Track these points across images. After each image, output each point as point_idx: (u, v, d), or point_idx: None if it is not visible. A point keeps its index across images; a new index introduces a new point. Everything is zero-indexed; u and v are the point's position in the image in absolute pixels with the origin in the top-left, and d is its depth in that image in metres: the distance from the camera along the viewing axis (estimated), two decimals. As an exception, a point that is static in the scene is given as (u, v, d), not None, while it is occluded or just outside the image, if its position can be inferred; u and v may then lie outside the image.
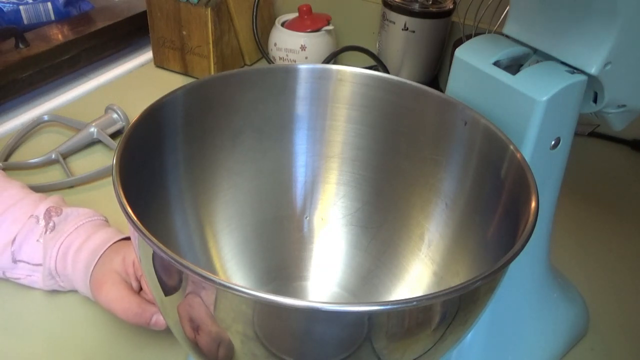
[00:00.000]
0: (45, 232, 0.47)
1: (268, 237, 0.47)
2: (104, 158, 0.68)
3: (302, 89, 0.43)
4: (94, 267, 0.45)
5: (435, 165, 0.42)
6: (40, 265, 0.47)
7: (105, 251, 0.45)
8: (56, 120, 0.72)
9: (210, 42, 0.81)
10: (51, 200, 0.50)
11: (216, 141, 0.42)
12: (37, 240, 0.47)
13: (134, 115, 0.35)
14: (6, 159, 0.67)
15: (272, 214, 0.47)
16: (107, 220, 0.51)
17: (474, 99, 0.39)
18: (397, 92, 0.42)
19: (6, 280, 0.49)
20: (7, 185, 0.50)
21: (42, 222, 0.47)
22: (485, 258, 0.37)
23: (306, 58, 0.82)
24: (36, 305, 0.49)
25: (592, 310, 0.50)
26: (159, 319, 0.43)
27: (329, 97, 0.44)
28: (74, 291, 0.49)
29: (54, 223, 0.48)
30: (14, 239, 0.47)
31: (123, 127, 0.71)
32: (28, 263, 0.47)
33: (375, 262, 0.46)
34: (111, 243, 0.46)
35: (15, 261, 0.47)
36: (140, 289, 0.45)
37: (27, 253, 0.47)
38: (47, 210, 0.48)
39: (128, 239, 0.47)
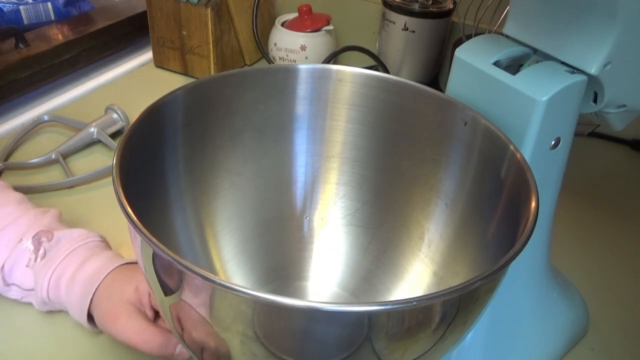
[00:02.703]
0: (36, 259, 0.45)
1: (268, 237, 0.47)
2: (104, 158, 0.68)
3: (302, 89, 0.43)
4: (94, 296, 0.43)
5: (435, 165, 0.42)
6: (32, 290, 0.46)
7: (103, 280, 0.43)
8: (56, 120, 0.72)
9: (210, 42, 0.81)
10: (44, 221, 0.47)
11: (216, 141, 0.43)
12: (27, 266, 0.45)
13: (134, 115, 0.35)
14: (6, 159, 0.67)
15: (272, 214, 0.47)
16: (103, 240, 0.48)
17: (474, 99, 0.39)
18: (397, 92, 0.42)
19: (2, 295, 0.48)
20: (3, 201, 0.48)
21: (31, 247, 0.45)
22: (485, 258, 0.37)
23: (306, 58, 0.82)
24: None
25: (592, 310, 0.50)
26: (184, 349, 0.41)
27: (329, 97, 0.44)
28: None
29: (45, 250, 0.45)
30: (3, 265, 0.45)
31: (123, 127, 0.71)
32: (20, 287, 0.46)
33: (375, 262, 0.46)
34: (108, 271, 0.44)
35: (7, 284, 0.46)
36: (155, 318, 0.43)
37: (18, 278, 0.45)
38: (36, 234, 0.46)
39: (128, 264, 0.45)
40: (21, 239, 0.46)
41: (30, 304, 0.47)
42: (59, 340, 0.47)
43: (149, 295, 0.42)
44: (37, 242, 0.46)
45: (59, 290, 0.44)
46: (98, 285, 0.43)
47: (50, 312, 0.48)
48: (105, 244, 0.49)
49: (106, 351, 0.46)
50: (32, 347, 0.46)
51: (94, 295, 0.43)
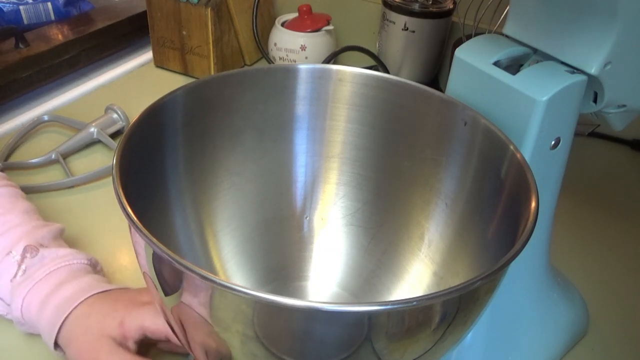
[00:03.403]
0: (16, 275, 0.43)
1: (268, 237, 0.47)
2: (104, 158, 0.68)
3: (302, 89, 0.43)
4: (63, 327, 0.40)
5: (435, 165, 0.42)
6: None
7: (74, 311, 0.40)
8: (56, 120, 0.72)
9: (210, 42, 0.81)
10: (38, 235, 0.45)
11: (216, 141, 0.42)
12: (10, 280, 0.43)
13: (134, 115, 0.35)
14: (6, 159, 0.67)
15: (272, 214, 0.47)
16: (90, 263, 0.46)
17: (474, 99, 0.39)
18: (397, 92, 0.42)
19: None
20: (9, 207, 0.46)
21: (18, 259, 0.43)
22: (485, 258, 0.37)
23: (306, 58, 0.82)
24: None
25: (592, 310, 0.50)
26: None
27: (329, 97, 0.44)
28: None
29: (26, 267, 0.43)
30: None
31: (123, 127, 0.71)
32: (3, 300, 0.44)
33: (375, 262, 0.46)
34: (79, 301, 0.41)
35: None
36: (137, 351, 0.41)
37: (2, 292, 0.43)
38: (24, 248, 0.43)
39: (103, 292, 0.42)
40: (10, 251, 0.43)
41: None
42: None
43: (140, 328, 0.40)
44: (22, 257, 0.43)
45: (30, 313, 0.42)
46: (67, 316, 0.40)
47: (32, 334, 0.45)
48: (92, 267, 0.46)
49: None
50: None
51: (62, 326, 0.40)
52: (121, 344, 0.40)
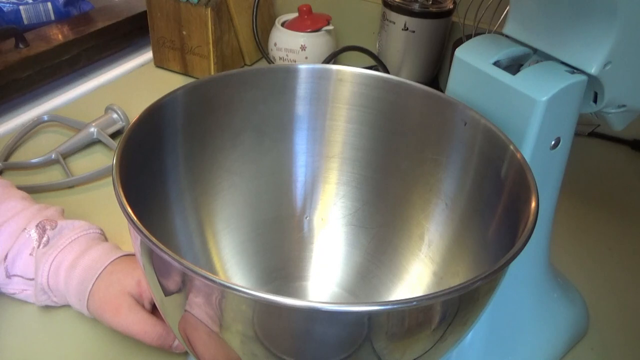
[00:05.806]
0: (38, 246, 0.46)
1: (268, 237, 0.47)
2: (104, 158, 0.68)
3: (302, 89, 0.43)
4: (94, 285, 0.43)
5: (435, 165, 0.42)
6: (33, 279, 0.46)
7: (103, 271, 0.44)
8: (56, 120, 0.72)
9: (210, 42, 0.81)
10: (48, 212, 0.48)
11: (216, 141, 0.43)
12: (30, 255, 0.46)
13: (134, 115, 0.35)
14: (6, 159, 0.67)
15: (272, 214, 0.47)
16: (102, 233, 0.49)
17: (474, 99, 0.39)
18: (397, 92, 0.42)
19: (1, 295, 0.48)
20: (6, 197, 0.49)
21: (35, 236, 0.46)
22: (485, 258, 0.37)
23: (306, 58, 0.82)
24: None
25: (592, 310, 0.50)
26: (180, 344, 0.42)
27: (329, 97, 0.44)
28: (67, 306, 0.47)
29: (48, 237, 0.46)
30: (7, 255, 0.46)
31: (123, 127, 0.71)
32: (22, 277, 0.46)
33: (375, 262, 0.46)
34: (109, 262, 0.44)
35: (9, 276, 0.46)
36: (152, 310, 0.44)
37: (21, 268, 0.46)
38: (39, 223, 0.47)
39: (127, 255, 0.46)
40: (24, 229, 0.46)
41: (28, 302, 0.48)
42: (57, 338, 0.47)
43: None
44: (41, 230, 0.47)
45: (57, 277, 0.45)
46: (99, 274, 0.43)
47: (48, 309, 0.48)
48: (104, 236, 0.50)
49: (104, 348, 0.46)
50: (30, 345, 0.46)
51: (94, 284, 0.43)
52: (138, 302, 0.43)
